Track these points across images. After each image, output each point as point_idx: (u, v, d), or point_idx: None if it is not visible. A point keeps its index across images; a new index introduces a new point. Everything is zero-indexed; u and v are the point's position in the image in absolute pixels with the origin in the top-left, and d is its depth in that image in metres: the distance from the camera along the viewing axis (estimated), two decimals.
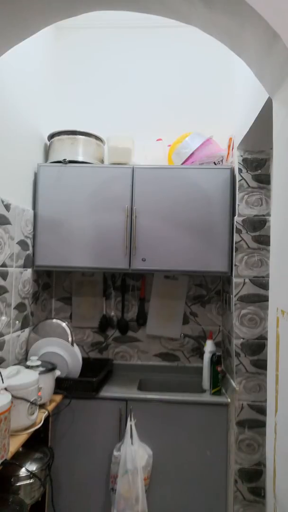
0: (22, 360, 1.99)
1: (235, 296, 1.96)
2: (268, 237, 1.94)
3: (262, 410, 1.88)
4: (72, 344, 2.05)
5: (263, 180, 1.99)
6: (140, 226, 2.08)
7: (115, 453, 1.86)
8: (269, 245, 1.81)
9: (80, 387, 1.92)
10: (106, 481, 1.92)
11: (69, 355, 1.99)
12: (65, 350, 2.00)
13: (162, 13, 1.30)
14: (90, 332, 2.47)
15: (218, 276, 2.40)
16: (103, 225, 2.09)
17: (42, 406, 1.66)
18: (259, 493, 1.88)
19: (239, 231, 1.98)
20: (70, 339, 2.06)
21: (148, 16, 1.37)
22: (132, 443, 1.83)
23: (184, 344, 2.42)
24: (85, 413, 1.94)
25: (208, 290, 2.43)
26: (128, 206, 2.09)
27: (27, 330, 2.06)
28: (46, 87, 2.33)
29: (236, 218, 2.00)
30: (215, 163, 2.13)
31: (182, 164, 2.15)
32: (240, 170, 2.00)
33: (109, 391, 2.01)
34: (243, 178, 2.00)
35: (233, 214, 2.05)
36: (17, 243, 1.92)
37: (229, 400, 1.94)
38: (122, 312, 2.45)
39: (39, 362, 1.74)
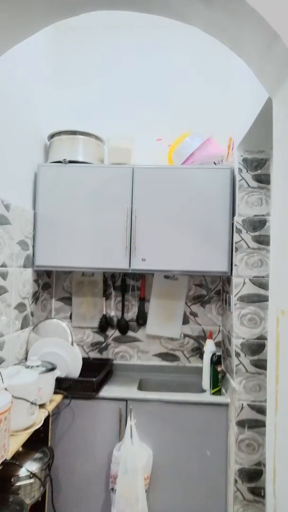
0: (22, 360, 1.99)
1: (235, 296, 1.96)
2: (268, 237, 1.94)
3: (262, 410, 1.88)
4: (72, 344, 2.05)
5: (263, 180, 1.99)
6: (140, 226, 2.08)
7: (115, 453, 1.86)
8: (269, 245, 1.81)
9: (80, 387, 1.92)
10: (106, 481, 1.92)
11: (69, 355, 1.99)
12: (65, 350, 2.00)
13: (162, 13, 1.30)
14: (90, 332, 2.47)
15: (218, 276, 2.40)
16: (103, 225, 2.09)
17: (42, 406, 1.66)
18: (259, 493, 1.88)
19: (239, 231, 1.98)
20: (70, 339, 2.06)
21: (148, 16, 1.37)
22: (132, 443, 1.83)
23: (184, 344, 2.42)
24: (85, 413, 1.95)
25: (208, 290, 2.43)
26: (128, 206, 2.09)
27: (27, 330, 2.06)
28: (46, 87, 2.33)
29: (236, 218, 2.00)
30: (215, 163, 2.13)
31: (182, 164, 2.15)
32: (240, 170, 2.00)
33: (109, 391, 2.01)
34: (243, 178, 2.00)
35: (233, 214, 2.05)
36: (17, 243, 1.92)
37: (229, 400, 1.94)
38: (122, 312, 2.45)
39: (39, 362, 1.74)
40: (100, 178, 2.12)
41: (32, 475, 1.47)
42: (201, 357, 2.28)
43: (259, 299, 1.94)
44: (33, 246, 2.12)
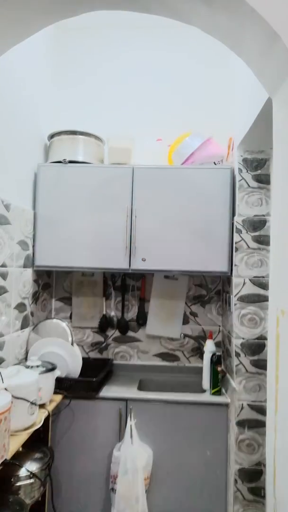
0: (22, 360, 1.99)
1: (235, 296, 1.96)
2: (268, 237, 1.94)
3: (262, 410, 1.88)
4: (72, 344, 2.05)
5: (263, 180, 1.99)
6: (140, 226, 2.08)
7: (115, 453, 1.87)
8: (269, 245, 1.81)
9: (80, 387, 1.92)
10: (106, 481, 1.92)
11: (69, 355, 1.99)
12: (65, 350, 2.00)
13: (162, 13, 1.30)
14: (90, 332, 2.47)
15: (218, 276, 2.40)
16: (103, 225, 2.09)
17: (42, 406, 1.66)
18: (259, 493, 1.88)
19: (239, 231, 1.98)
20: (70, 339, 2.06)
21: (148, 16, 1.37)
22: (132, 443, 1.83)
23: (184, 344, 2.42)
24: (85, 413, 1.95)
25: (208, 290, 2.43)
26: (128, 206, 2.09)
27: (27, 330, 2.06)
28: (46, 87, 2.33)
29: (236, 218, 2.00)
30: (215, 163, 2.13)
31: (182, 164, 2.15)
32: (240, 170, 2.00)
33: (109, 391, 2.01)
34: (243, 178, 2.00)
35: (233, 214, 2.05)
36: (17, 243, 1.92)
37: (229, 400, 1.94)
38: (122, 312, 2.45)
39: (39, 362, 1.74)
40: (100, 178, 2.12)
41: (32, 475, 1.47)
42: (201, 357, 2.28)
43: (259, 299, 1.94)
44: (33, 246, 2.12)
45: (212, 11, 1.16)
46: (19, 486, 1.44)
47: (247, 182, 1.99)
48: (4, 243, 1.79)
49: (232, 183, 2.07)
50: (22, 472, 1.47)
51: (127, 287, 2.46)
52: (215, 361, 2.04)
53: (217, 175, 2.08)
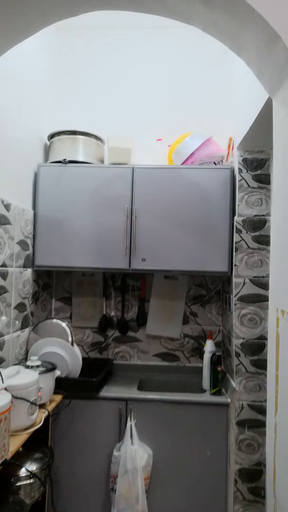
0: (22, 360, 1.99)
1: (235, 296, 1.96)
2: (268, 237, 1.94)
3: (262, 410, 1.88)
4: (72, 344, 2.05)
5: (263, 180, 1.99)
6: (140, 226, 2.08)
7: (115, 453, 1.87)
8: (269, 245, 1.81)
9: (80, 387, 1.92)
10: (106, 481, 1.92)
11: (69, 355, 1.99)
12: (65, 350, 2.00)
13: (162, 13, 1.30)
14: (90, 332, 2.47)
15: (218, 276, 2.41)
16: (103, 225, 2.09)
17: (42, 406, 1.66)
18: (259, 493, 1.88)
19: (239, 231, 1.98)
20: (70, 339, 2.06)
21: (148, 16, 1.37)
22: (132, 443, 1.83)
23: (184, 344, 2.42)
24: (85, 413, 1.95)
25: (208, 290, 2.43)
26: (128, 206, 2.09)
27: (27, 330, 2.06)
28: (46, 87, 2.33)
29: (236, 218, 2.00)
30: (215, 163, 2.13)
31: (182, 164, 2.15)
32: (240, 170, 2.00)
33: (109, 391, 2.01)
34: (243, 178, 2.00)
35: (233, 214, 2.05)
36: (17, 243, 1.92)
37: (229, 400, 1.94)
38: (122, 312, 2.45)
39: (39, 362, 1.74)
40: (100, 178, 2.12)
41: (32, 475, 1.47)
42: (201, 357, 2.28)
43: (259, 299, 1.94)
44: (33, 246, 2.12)
45: (212, 11, 1.16)
46: (19, 486, 1.44)
47: (247, 182, 1.99)
48: (4, 243, 1.79)
49: (232, 183, 2.07)
50: (22, 472, 1.47)
51: (127, 287, 2.46)
52: (215, 361, 2.04)
53: (217, 175, 2.08)
